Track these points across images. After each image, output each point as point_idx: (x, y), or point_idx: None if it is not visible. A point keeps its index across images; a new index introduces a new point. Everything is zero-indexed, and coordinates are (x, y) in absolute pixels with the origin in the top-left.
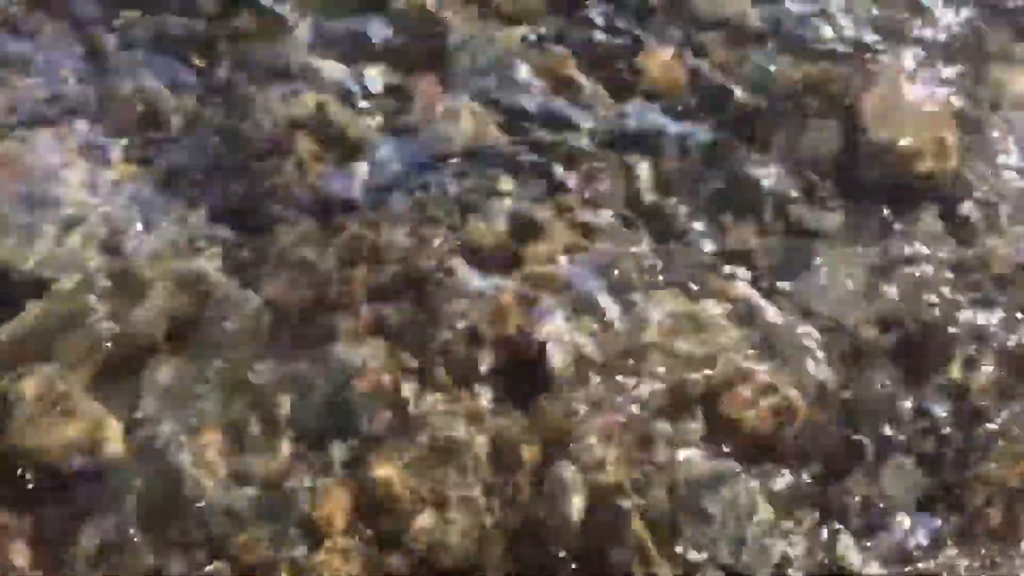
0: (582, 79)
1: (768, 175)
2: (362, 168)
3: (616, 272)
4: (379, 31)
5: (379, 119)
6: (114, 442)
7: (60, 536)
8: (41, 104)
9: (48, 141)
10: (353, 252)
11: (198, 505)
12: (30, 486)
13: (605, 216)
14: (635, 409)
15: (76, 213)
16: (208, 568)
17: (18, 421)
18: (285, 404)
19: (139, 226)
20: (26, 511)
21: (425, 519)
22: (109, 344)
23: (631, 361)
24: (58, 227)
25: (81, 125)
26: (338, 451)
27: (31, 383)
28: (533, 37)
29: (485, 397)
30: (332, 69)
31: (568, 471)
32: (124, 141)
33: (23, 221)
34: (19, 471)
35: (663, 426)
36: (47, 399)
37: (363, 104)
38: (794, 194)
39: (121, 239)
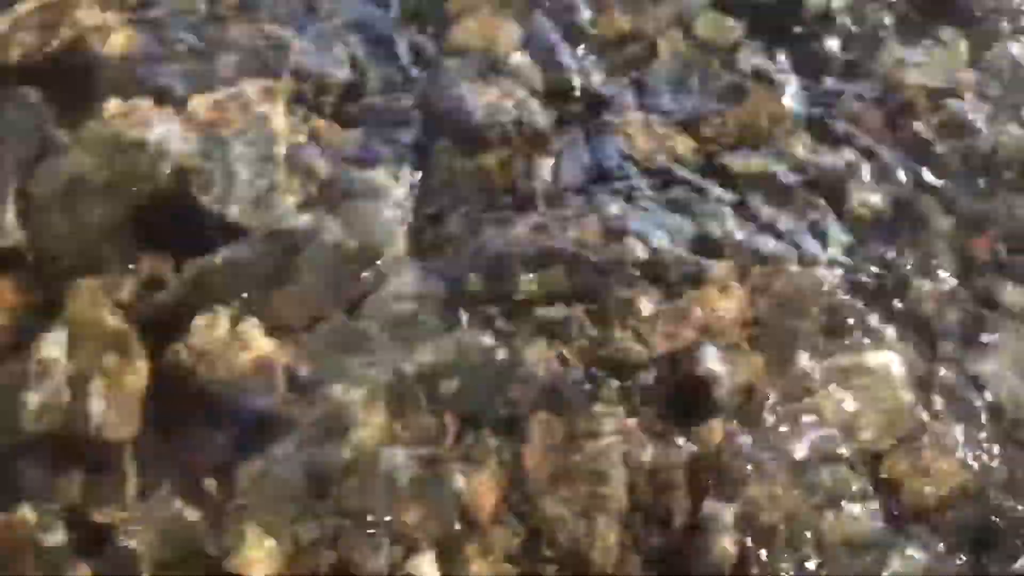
0: (778, 115)
1: (962, 239)
2: (547, 167)
3: (792, 311)
4: (582, 39)
5: (572, 124)
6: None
7: (224, 478)
8: (258, 59)
9: (261, 94)
10: (533, 249)
11: (355, 467)
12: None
13: (787, 250)
14: (795, 455)
15: (280, 165)
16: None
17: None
18: (450, 384)
19: (339, 187)
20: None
21: (570, 525)
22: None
23: (797, 407)
24: (262, 177)
25: (290, 83)
26: (495, 441)
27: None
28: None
29: (646, 414)
30: (535, 70)
31: (719, 505)
32: (331, 101)
33: (232, 169)
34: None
35: (821, 477)
36: (227, 336)
37: (559, 107)
38: (987, 263)
39: (319, 197)
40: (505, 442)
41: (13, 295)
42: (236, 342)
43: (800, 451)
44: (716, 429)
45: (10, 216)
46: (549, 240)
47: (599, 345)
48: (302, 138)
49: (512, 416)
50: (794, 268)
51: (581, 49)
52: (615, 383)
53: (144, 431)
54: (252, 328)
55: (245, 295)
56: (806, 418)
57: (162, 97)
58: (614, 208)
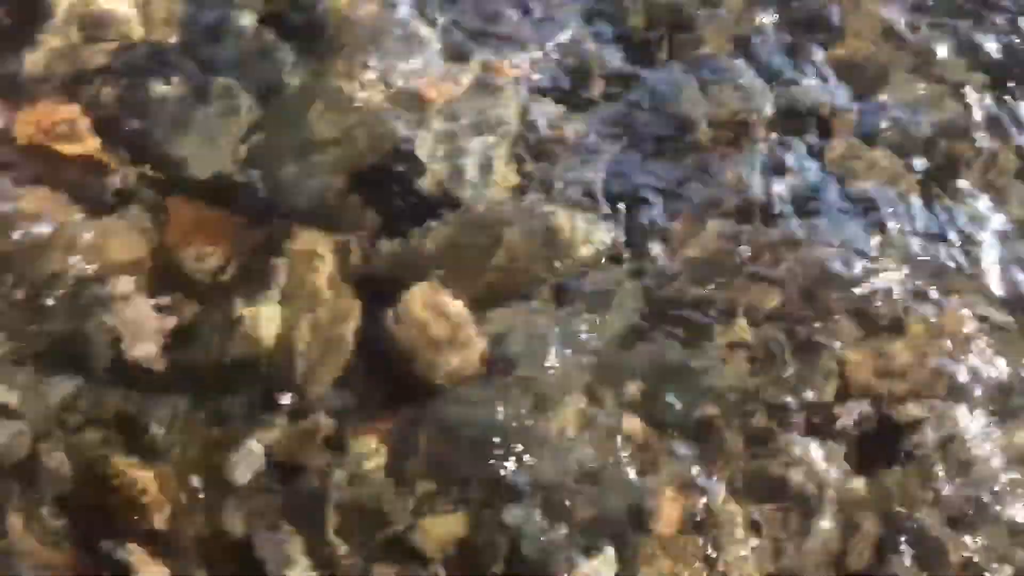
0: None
1: None
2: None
3: (1003, 368)
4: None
5: (794, 144)
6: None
7: (406, 444)
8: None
9: (494, 75)
10: (751, 266)
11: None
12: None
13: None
14: (989, 513)
15: (503, 148)
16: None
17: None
18: (641, 388)
19: (555, 175)
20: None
21: (750, 552)
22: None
23: (995, 467)
24: (483, 158)
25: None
26: (681, 452)
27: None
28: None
29: (834, 451)
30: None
31: (907, 556)
32: (562, 89)
33: (457, 146)
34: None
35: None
36: (430, 310)
37: (784, 126)
38: None
39: (535, 183)
40: (692, 454)
41: (237, 230)
42: (441, 315)
43: (993, 509)
44: (910, 476)
45: (242, 152)
46: (761, 262)
47: (796, 375)
48: (527, 125)
49: (700, 435)
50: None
51: (813, 70)
52: (809, 415)
53: (342, 384)
54: (456, 302)
55: (454, 269)
56: (1005, 477)
57: (398, 68)
58: (827, 238)
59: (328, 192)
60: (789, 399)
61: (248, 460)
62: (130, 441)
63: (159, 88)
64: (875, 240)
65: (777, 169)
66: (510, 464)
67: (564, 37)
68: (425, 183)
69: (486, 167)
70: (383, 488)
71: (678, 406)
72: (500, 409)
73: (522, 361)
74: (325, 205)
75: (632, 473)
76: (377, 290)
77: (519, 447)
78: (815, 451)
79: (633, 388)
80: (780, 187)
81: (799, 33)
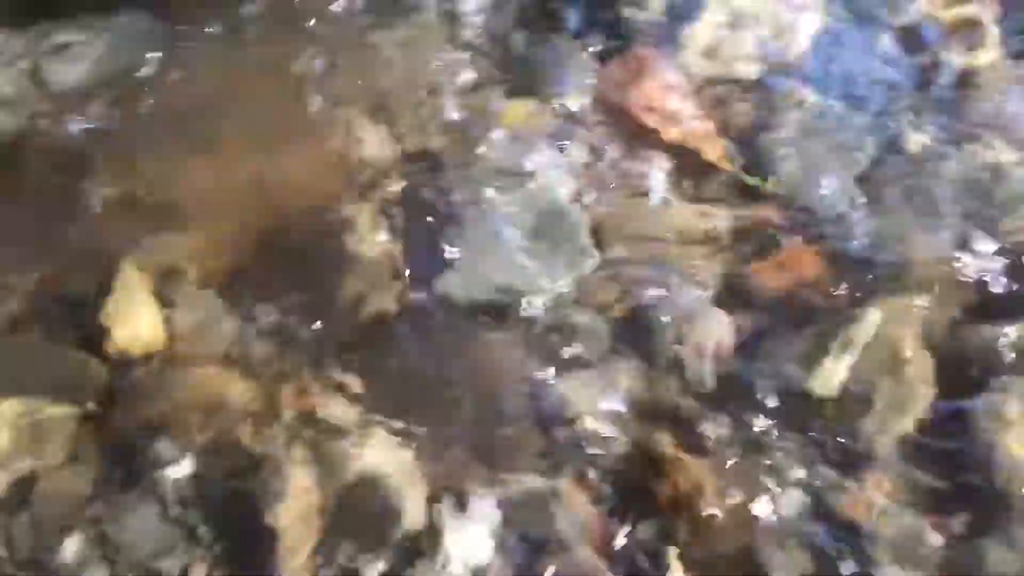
0: None
1: None
2: None
3: None
4: None
5: None
6: None
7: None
8: None
9: None
10: None
11: None
12: None
13: None
14: None
15: None
16: None
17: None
18: None
19: None
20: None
21: None
22: None
23: None
24: None
25: None
26: None
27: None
28: None
29: None
30: None
31: None
32: None
33: None
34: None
35: None
36: None
37: None
38: None
39: None
40: None
41: (832, 270)
42: None
43: None
44: None
45: (859, 198)
46: None
47: None
48: None
49: None
50: None
51: None
52: None
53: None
54: None
55: None
56: None
57: None
58: None
59: (932, 257)
60: None
61: (790, 499)
62: (684, 437)
63: (790, 113)
64: None
65: None
66: None
67: None
68: None
69: None
70: None
71: None
72: None
73: None
74: (925, 270)
75: None
76: (958, 373)
77: None
78: None
79: None
80: None
81: None
